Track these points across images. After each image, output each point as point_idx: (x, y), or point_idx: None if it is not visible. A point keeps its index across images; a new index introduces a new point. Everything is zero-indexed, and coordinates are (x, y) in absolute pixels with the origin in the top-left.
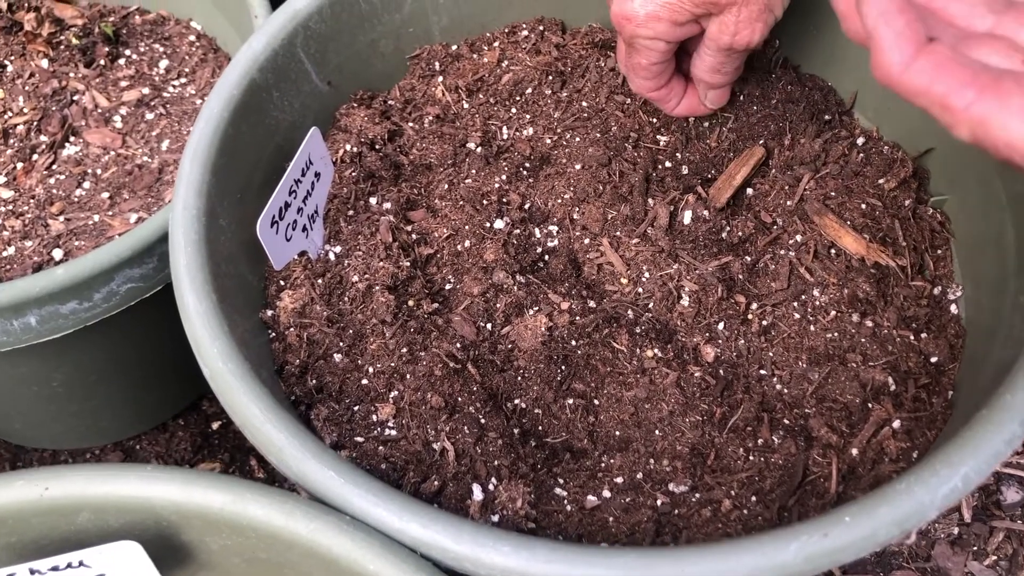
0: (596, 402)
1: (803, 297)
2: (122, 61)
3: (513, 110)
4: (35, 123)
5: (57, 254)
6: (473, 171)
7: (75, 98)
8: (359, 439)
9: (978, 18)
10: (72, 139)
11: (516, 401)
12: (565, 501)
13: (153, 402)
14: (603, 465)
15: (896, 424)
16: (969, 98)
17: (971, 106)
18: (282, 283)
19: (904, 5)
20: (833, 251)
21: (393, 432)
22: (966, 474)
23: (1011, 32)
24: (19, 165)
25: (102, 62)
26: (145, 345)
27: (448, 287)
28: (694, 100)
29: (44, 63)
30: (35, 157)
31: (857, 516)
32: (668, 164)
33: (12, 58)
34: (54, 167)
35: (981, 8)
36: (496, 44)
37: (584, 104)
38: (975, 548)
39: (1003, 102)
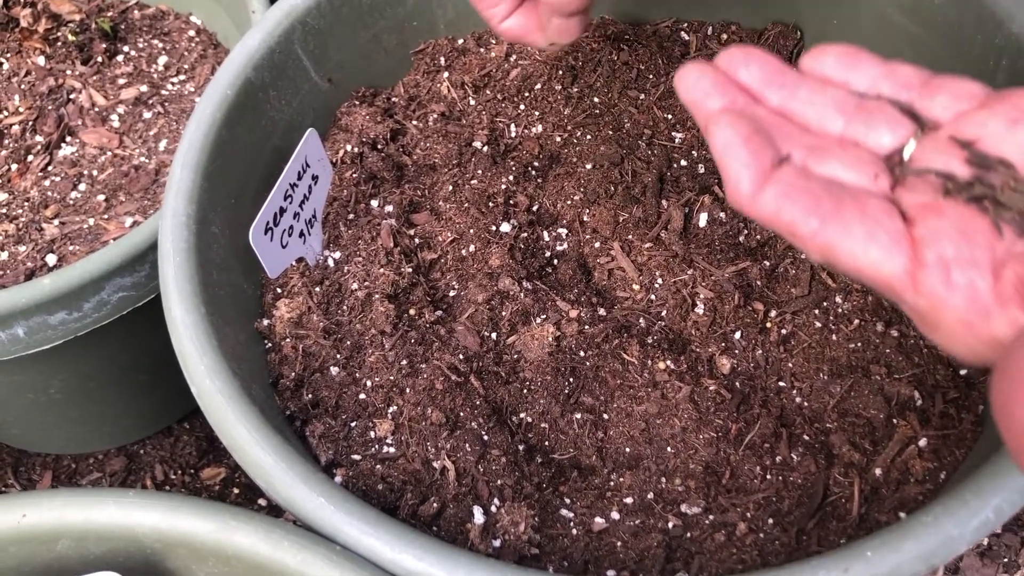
0: (605, 417)
1: (825, 304)
2: (120, 58)
3: (521, 107)
4: (30, 123)
5: (51, 259)
6: (479, 171)
7: (72, 96)
8: (356, 457)
9: (830, 121)
10: (68, 139)
11: (521, 415)
12: (571, 524)
13: (156, 407)
14: (612, 484)
15: (922, 442)
16: (814, 226)
17: (816, 234)
18: (279, 291)
19: (750, 133)
20: None
21: (391, 450)
22: (998, 506)
23: (860, 135)
24: (14, 167)
25: (99, 59)
26: (144, 351)
27: (452, 294)
28: (530, 20)
29: (40, 60)
30: (30, 158)
31: (880, 551)
32: (683, 163)
33: (8, 55)
34: (49, 168)
35: (832, 111)
36: None
37: (596, 100)
38: (1005, 560)
39: (846, 229)
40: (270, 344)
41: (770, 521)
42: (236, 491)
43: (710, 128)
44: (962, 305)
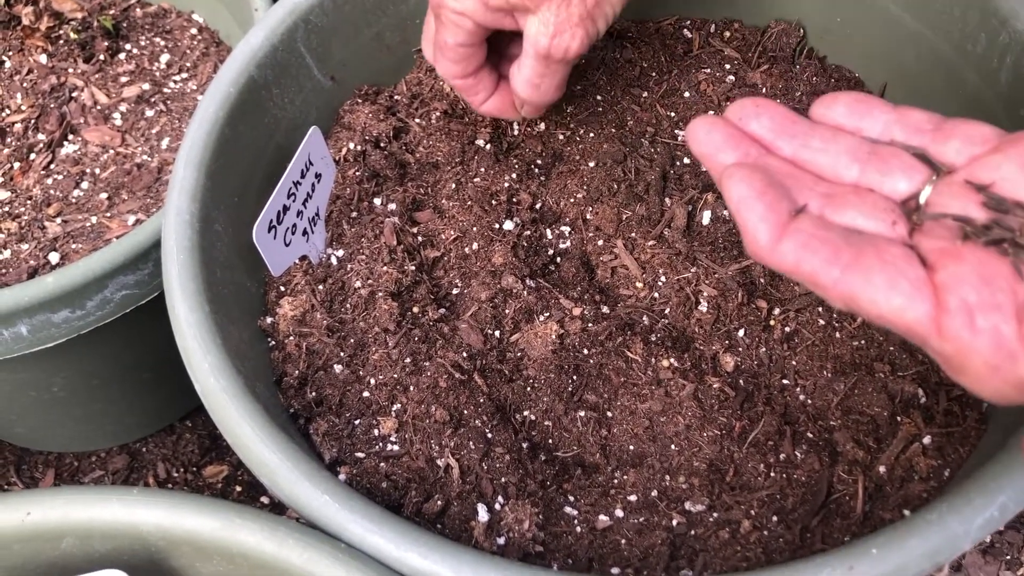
0: (609, 414)
1: None
2: (122, 56)
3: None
4: (33, 121)
5: (53, 257)
6: (482, 169)
7: (74, 95)
8: (360, 455)
9: (844, 168)
10: (70, 137)
11: (525, 413)
12: (575, 521)
13: (158, 404)
14: (616, 481)
15: (926, 440)
16: (835, 276)
17: (838, 283)
18: (282, 289)
19: (764, 186)
20: None
21: (395, 447)
22: (1003, 503)
23: (875, 182)
24: (16, 165)
25: (102, 57)
26: (147, 349)
27: (455, 292)
28: (506, 101)
29: (43, 59)
30: (32, 156)
31: (885, 548)
32: (687, 160)
33: (10, 53)
34: (52, 167)
35: (845, 158)
36: None
37: (598, 97)
38: (1008, 557)
39: (867, 277)
40: (274, 342)
41: (774, 519)
42: (239, 489)
43: (724, 183)
44: (988, 350)
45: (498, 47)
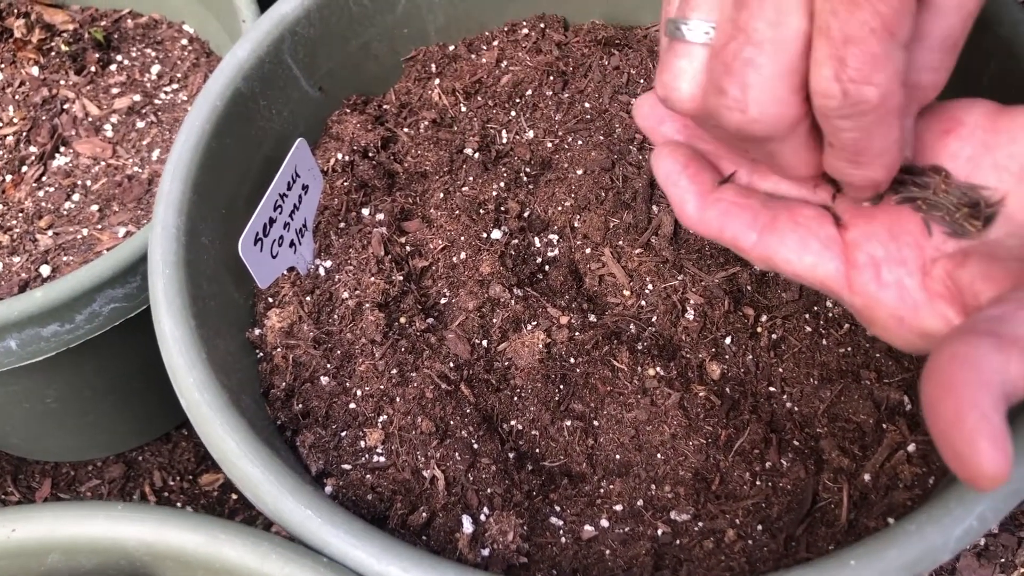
0: (595, 424)
1: (815, 308)
2: (113, 67)
3: (512, 113)
4: (24, 133)
5: (44, 270)
6: (470, 178)
7: (65, 107)
8: (346, 467)
9: None
10: (62, 149)
11: (512, 423)
12: (561, 532)
13: (153, 414)
14: (602, 491)
15: (911, 447)
16: (752, 239)
17: (756, 246)
18: (270, 301)
19: (687, 160)
20: None
21: (382, 459)
22: (982, 513)
23: None
24: (8, 177)
25: (93, 68)
26: (139, 359)
27: (443, 302)
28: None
29: (34, 71)
30: (24, 169)
31: (863, 559)
32: None
33: (1, 66)
34: (43, 179)
35: None
36: (495, 43)
37: (587, 105)
38: (1002, 560)
39: (780, 239)
40: (261, 354)
41: (759, 528)
42: (235, 497)
43: (652, 161)
44: (893, 301)
45: None
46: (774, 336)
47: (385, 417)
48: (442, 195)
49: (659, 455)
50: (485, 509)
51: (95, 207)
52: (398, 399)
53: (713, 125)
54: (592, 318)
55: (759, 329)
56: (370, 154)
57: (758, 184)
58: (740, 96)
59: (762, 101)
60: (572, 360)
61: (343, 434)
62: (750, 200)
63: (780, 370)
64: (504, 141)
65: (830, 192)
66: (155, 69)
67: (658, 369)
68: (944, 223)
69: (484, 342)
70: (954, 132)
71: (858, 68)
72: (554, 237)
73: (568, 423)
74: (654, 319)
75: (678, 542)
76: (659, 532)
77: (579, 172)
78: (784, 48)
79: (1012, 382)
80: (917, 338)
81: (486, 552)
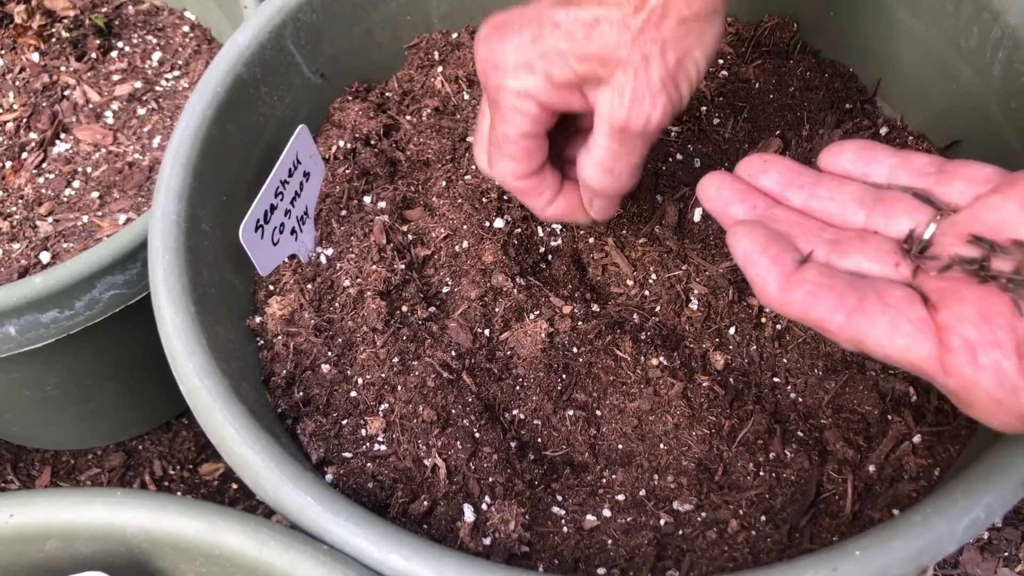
0: (598, 413)
1: None
2: (114, 54)
3: None
4: (25, 120)
5: (44, 257)
6: (473, 167)
7: (66, 93)
8: (347, 455)
9: (851, 214)
10: (62, 136)
11: (514, 412)
12: (562, 521)
13: (154, 403)
14: (604, 481)
15: (916, 439)
16: (840, 321)
17: (844, 328)
18: (271, 288)
19: (767, 241)
20: None
21: (383, 447)
22: (989, 504)
23: (880, 225)
24: (8, 164)
25: (93, 55)
26: (139, 347)
27: (445, 290)
28: (573, 202)
29: (35, 57)
30: (24, 155)
31: (869, 550)
32: (679, 157)
33: (2, 52)
34: (43, 165)
35: (852, 205)
36: None
37: None
38: (1006, 554)
39: (871, 321)
40: (262, 342)
41: (762, 518)
42: (235, 486)
43: (729, 240)
44: (991, 385)
45: (558, 149)
46: (778, 326)
47: (386, 405)
48: (444, 183)
49: (662, 445)
50: (487, 498)
51: (95, 194)
52: (399, 387)
53: None
54: (595, 308)
55: (763, 319)
56: (372, 142)
57: (837, 263)
58: (479, 162)
59: (483, 168)
60: (575, 350)
61: (344, 422)
62: (834, 280)
63: (784, 360)
64: None
65: (911, 268)
66: (156, 56)
67: (661, 359)
68: None
69: (486, 331)
70: None
71: (491, 161)
72: (557, 226)
73: (570, 412)
74: (658, 309)
75: (681, 532)
76: (662, 522)
77: None
78: (482, 140)
79: None
80: (1017, 421)
81: (487, 541)
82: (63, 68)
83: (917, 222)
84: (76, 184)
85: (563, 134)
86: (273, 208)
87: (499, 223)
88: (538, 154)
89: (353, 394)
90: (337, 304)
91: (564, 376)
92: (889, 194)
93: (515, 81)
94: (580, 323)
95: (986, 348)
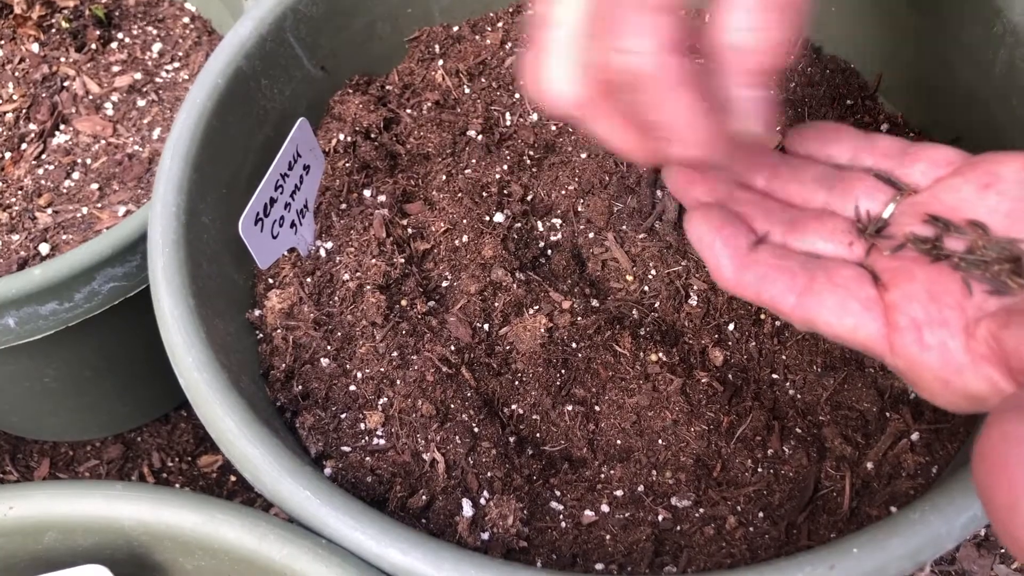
0: (597, 409)
1: None
2: (114, 45)
3: (517, 95)
4: (24, 110)
5: (44, 248)
6: (473, 160)
7: (65, 84)
8: (346, 449)
9: (811, 195)
10: (62, 127)
11: (513, 407)
12: (561, 516)
13: (152, 394)
14: (603, 476)
15: (915, 436)
16: (792, 302)
17: (795, 309)
18: (271, 282)
19: (721, 222)
20: None
21: (381, 442)
22: None
23: (839, 206)
24: (7, 155)
25: (93, 46)
26: (138, 339)
27: (444, 285)
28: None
29: (34, 47)
30: (23, 146)
31: (866, 547)
32: None
33: (2, 42)
34: (43, 157)
35: (813, 185)
36: (500, 24)
37: None
38: (1002, 551)
39: (820, 301)
40: (261, 335)
41: (760, 515)
42: (233, 479)
43: (685, 224)
44: (936, 364)
45: None
46: (778, 323)
47: (385, 400)
48: (444, 177)
49: (660, 441)
50: (485, 493)
51: (95, 185)
52: (398, 382)
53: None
54: (594, 303)
55: (763, 316)
56: (372, 135)
57: (793, 244)
58: (540, 78)
59: (555, 80)
60: (574, 345)
61: (343, 416)
62: (787, 262)
63: (783, 357)
64: (508, 123)
65: (865, 248)
66: (156, 47)
67: (660, 355)
68: (985, 280)
69: (485, 326)
70: (992, 187)
71: (614, 38)
72: (557, 221)
73: (569, 408)
74: (657, 304)
75: (679, 528)
76: (660, 518)
77: (583, 156)
78: (565, 29)
79: None
80: (963, 400)
81: (486, 536)
82: (63, 59)
83: (876, 202)
84: (76, 176)
85: None
86: (273, 201)
87: (499, 217)
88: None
89: (352, 388)
90: (336, 298)
91: (563, 371)
92: (850, 175)
93: None
94: (579, 318)
95: (933, 327)
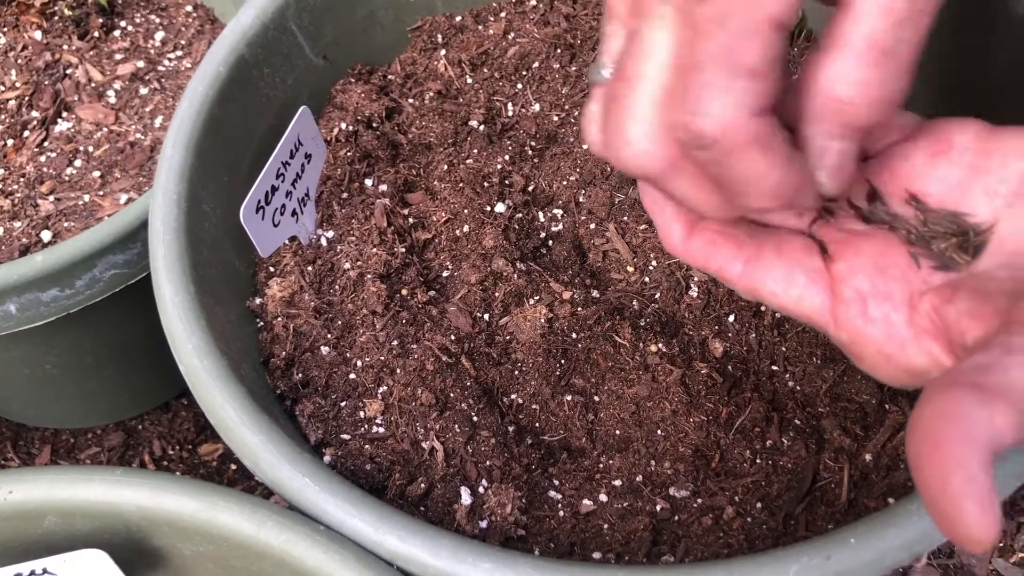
0: (596, 399)
1: None
2: (117, 33)
3: (519, 85)
4: (27, 98)
5: (46, 235)
6: (475, 151)
7: (68, 72)
8: (345, 436)
9: None
10: (64, 115)
11: (512, 396)
12: (559, 505)
13: (153, 382)
14: (601, 466)
15: None
16: (738, 270)
17: (741, 277)
18: (272, 270)
19: None
20: None
21: (381, 430)
22: None
23: None
24: (10, 142)
25: (96, 34)
26: (140, 327)
27: (445, 274)
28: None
29: (37, 35)
30: (26, 134)
31: (863, 538)
32: None
33: (5, 30)
34: (45, 144)
35: None
36: (502, 14)
37: None
38: (1001, 544)
39: (766, 271)
40: (262, 323)
41: (758, 505)
42: (234, 467)
43: (640, 187)
44: (879, 337)
45: None
46: (778, 315)
47: (385, 388)
48: (446, 167)
49: (659, 431)
50: (484, 481)
51: (97, 173)
52: (398, 370)
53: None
54: (595, 294)
55: (763, 307)
56: (374, 124)
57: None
58: (617, 135)
59: (635, 140)
60: (574, 335)
61: (343, 404)
62: (736, 230)
63: (783, 349)
64: (510, 114)
65: (812, 218)
66: (159, 35)
67: (660, 345)
68: (932, 255)
69: (486, 316)
70: (944, 155)
71: (693, 100)
72: (558, 212)
73: (568, 398)
74: (657, 296)
75: (677, 518)
76: (658, 508)
77: (585, 147)
78: (648, 84)
79: (998, 435)
80: (905, 375)
81: (484, 524)
82: (65, 47)
83: None
84: (78, 163)
85: None
86: (274, 190)
87: (500, 208)
88: (778, 62)
89: (352, 376)
90: (337, 286)
91: (563, 361)
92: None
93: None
94: (580, 309)
95: (877, 300)
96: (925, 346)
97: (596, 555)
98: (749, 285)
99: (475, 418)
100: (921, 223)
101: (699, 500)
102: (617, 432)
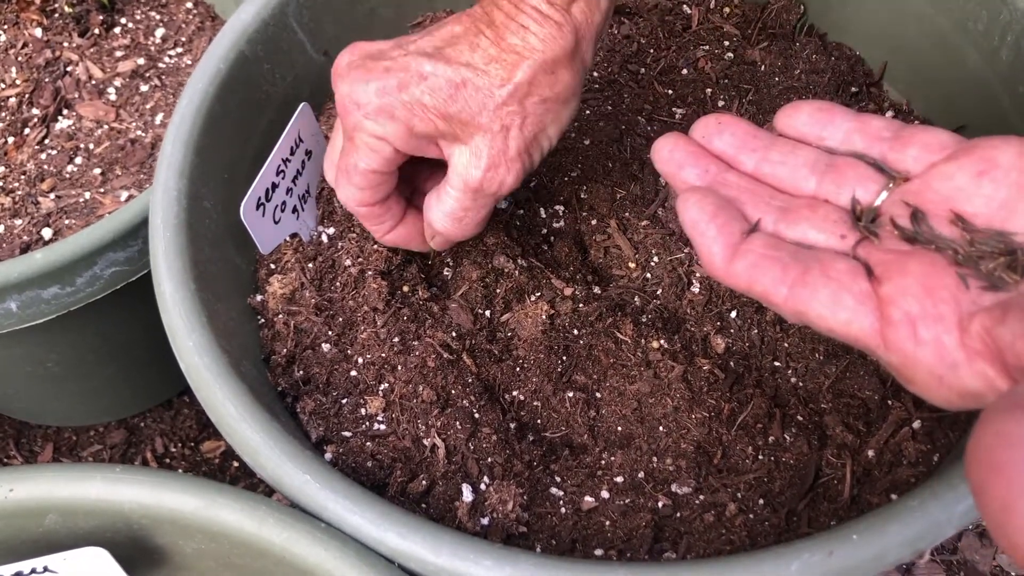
0: (598, 395)
1: None
2: (117, 30)
3: None
4: (27, 95)
5: (46, 233)
6: None
7: (68, 69)
8: (346, 434)
9: (802, 180)
10: (65, 112)
11: (514, 393)
12: (560, 502)
13: (155, 380)
14: (603, 462)
15: (916, 424)
16: (784, 293)
17: (787, 300)
18: (272, 267)
19: (716, 209)
20: None
21: (382, 427)
22: None
23: (831, 194)
24: (10, 139)
25: (96, 31)
26: (141, 325)
27: (446, 271)
28: (413, 232)
29: (38, 32)
30: (27, 131)
31: (865, 534)
32: None
33: (5, 27)
34: (46, 141)
35: (804, 171)
36: None
37: (595, 74)
38: None
39: (813, 294)
40: (263, 320)
41: (760, 502)
42: (236, 464)
43: (678, 207)
44: (931, 360)
45: (405, 175)
46: None
47: (386, 385)
48: None
49: (661, 428)
50: (485, 478)
51: (97, 170)
52: (400, 367)
53: None
54: (596, 290)
55: None
56: None
57: (785, 233)
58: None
59: (342, 197)
60: (575, 332)
61: (344, 401)
62: (779, 252)
63: (785, 345)
64: None
65: (856, 239)
66: (159, 32)
67: (662, 342)
68: (980, 275)
69: (487, 312)
70: (988, 174)
71: (338, 187)
72: (560, 208)
73: (570, 394)
74: (659, 292)
75: (678, 515)
76: (660, 504)
77: (586, 142)
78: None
79: None
80: (958, 398)
81: (485, 521)
82: (66, 44)
83: (868, 190)
84: (78, 160)
85: (413, 165)
86: (275, 186)
87: (502, 204)
88: (384, 188)
89: (353, 373)
90: (338, 283)
91: (564, 358)
92: (841, 161)
93: (374, 124)
94: (581, 305)
95: (927, 322)
96: (978, 368)
97: (598, 552)
98: (795, 308)
99: (476, 415)
100: (968, 243)
101: (701, 496)
102: (619, 428)
